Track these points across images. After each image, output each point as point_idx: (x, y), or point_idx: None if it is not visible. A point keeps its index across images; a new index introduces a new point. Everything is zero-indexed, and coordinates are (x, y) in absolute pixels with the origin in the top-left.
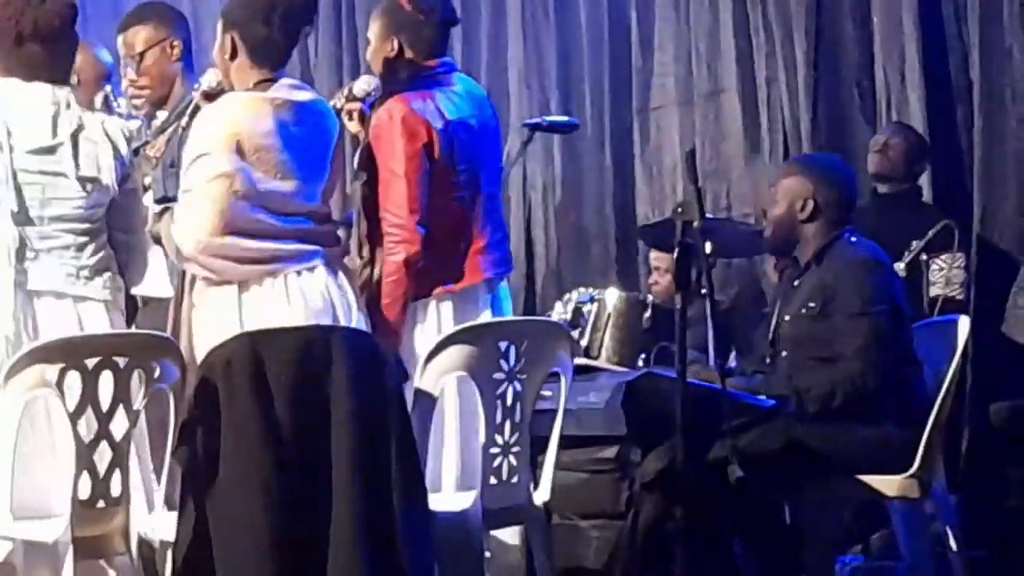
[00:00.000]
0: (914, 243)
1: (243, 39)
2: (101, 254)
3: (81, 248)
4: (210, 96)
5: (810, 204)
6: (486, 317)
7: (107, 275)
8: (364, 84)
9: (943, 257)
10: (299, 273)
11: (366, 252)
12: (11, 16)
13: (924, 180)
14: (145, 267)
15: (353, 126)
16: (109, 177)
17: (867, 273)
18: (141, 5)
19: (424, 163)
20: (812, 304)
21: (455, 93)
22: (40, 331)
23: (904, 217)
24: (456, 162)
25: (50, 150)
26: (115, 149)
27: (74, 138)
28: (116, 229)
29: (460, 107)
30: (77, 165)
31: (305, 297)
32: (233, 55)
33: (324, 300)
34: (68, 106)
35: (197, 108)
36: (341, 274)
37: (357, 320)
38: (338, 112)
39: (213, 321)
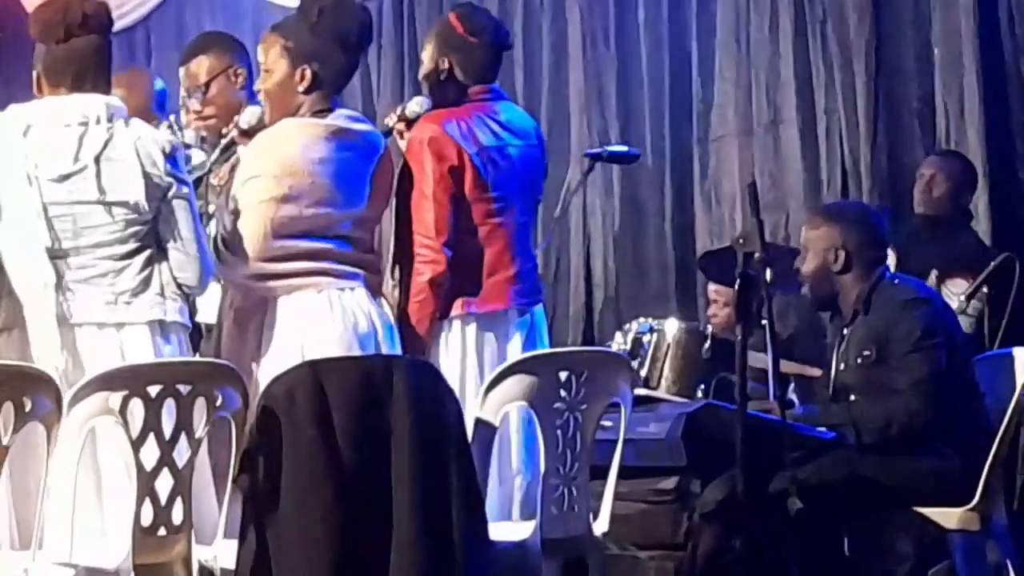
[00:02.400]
0: (932, 274)
1: (325, 70)
2: (143, 274)
3: (120, 272)
4: (247, 134)
5: (842, 255)
6: (517, 342)
7: (150, 294)
8: (415, 105)
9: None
10: (341, 290)
11: (397, 274)
12: (59, 8)
13: (981, 212)
14: (198, 274)
15: (404, 145)
16: (138, 195)
17: (916, 311)
18: (203, 35)
19: (452, 185)
20: (867, 353)
21: (496, 120)
22: (84, 364)
23: (946, 243)
24: (488, 188)
25: (75, 176)
26: (144, 164)
27: (97, 161)
28: (164, 240)
29: (499, 134)
30: (102, 190)
31: (345, 310)
32: (311, 88)
33: (366, 318)
34: (99, 121)
35: (233, 143)
36: (381, 300)
37: (398, 345)
38: (389, 131)
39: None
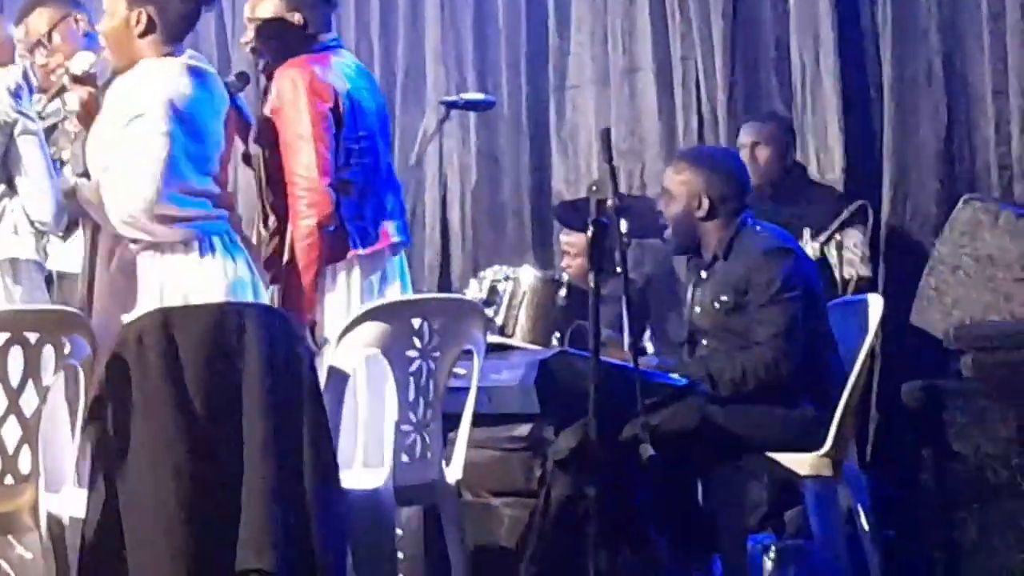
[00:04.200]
0: (805, 231)
1: (160, 15)
2: None
3: None
4: (80, 80)
5: (705, 201)
6: (396, 287)
7: (3, 232)
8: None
9: (850, 233)
10: (224, 244)
11: (272, 222)
12: None
13: (836, 159)
14: (49, 207)
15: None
16: None
17: (776, 261)
18: None
19: (331, 126)
20: (725, 298)
21: (346, 65)
22: None
23: (796, 206)
24: (358, 128)
25: None
26: None
27: None
28: (16, 177)
29: (354, 78)
30: None
31: (226, 270)
32: (146, 32)
33: (245, 272)
34: None
35: (63, 89)
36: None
37: (265, 295)
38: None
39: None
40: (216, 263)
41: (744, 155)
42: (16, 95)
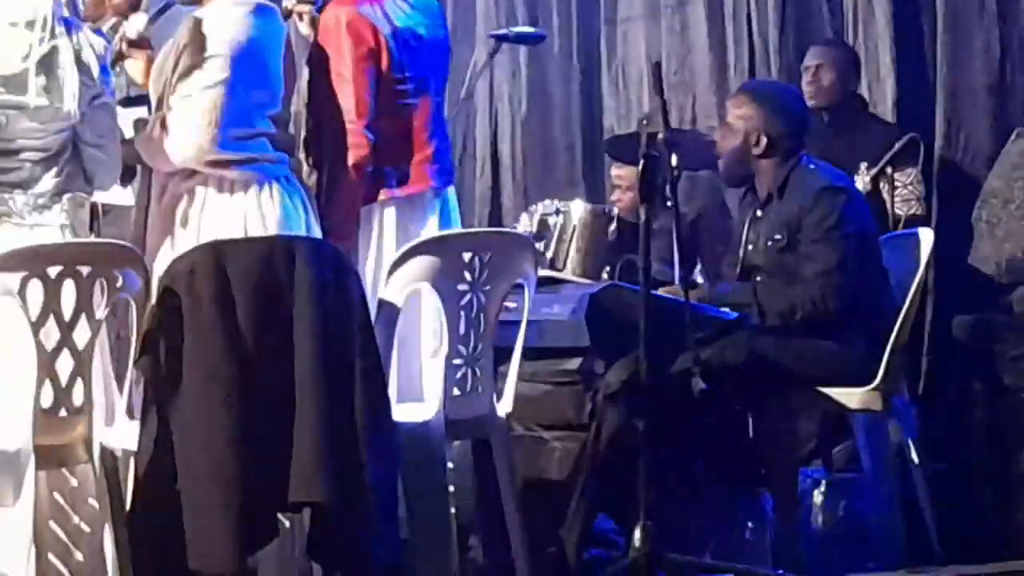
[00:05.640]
0: (862, 166)
1: None
2: (60, 178)
3: (39, 177)
4: (136, 44)
5: (763, 139)
6: (433, 225)
7: (65, 198)
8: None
9: (906, 172)
10: (280, 183)
11: (312, 159)
12: None
13: (888, 93)
14: (116, 175)
15: (304, 27)
16: (72, 105)
17: (830, 200)
18: None
19: (371, 67)
20: (778, 236)
21: (405, 1)
22: None
23: (853, 134)
24: (404, 69)
25: (14, 79)
26: (82, 75)
27: (38, 67)
28: (86, 143)
29: (410, 15)
30: (39, 96)
31: (282, 207)
32: None
33: (300, 210)
34: (45, 24)
35: (121, 56)
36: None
37: (319, 232)
38: (288, 14)
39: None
40: (274, 200)
41: (806, 77)
42: (103, 64)
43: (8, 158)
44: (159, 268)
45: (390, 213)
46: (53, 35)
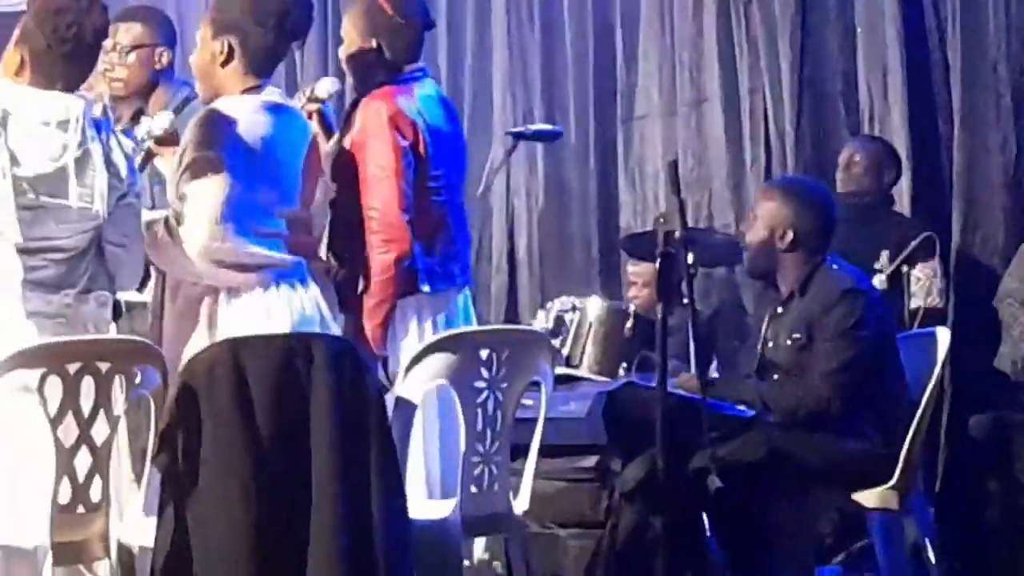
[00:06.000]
0: (883, 254)
1: (243, 46)
2: (87, 275)
3: (66, 274)
4: (164, 142)
5: (789, 234)
6: (453, 323)
7: (91, 300)
8: (328, 85)
9: (922, 267)
10: (292, 286)
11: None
12: (71, 23)
13: (904, 190)
14: (139, 275)
15: (313, 126)
16: (100, 205)
17: (850, 302)
18: (144, 6)
19: (412, 161)
20: (798, 336)
21: (430, 97)
22: None
23: (875, 227)
24: (437, 165)
25: (44, 179)
26: (111, 174)
27: (71, 166)
28: (110, 242)
29: (436, 112)
30: (69, 194)
31: (292, 310)
32: (227, 61)
33: (314, 312)
34: (77, 123)
35: (151, 154)
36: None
37: (336, 328)
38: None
39: (197, 331)
40: (281, 299)
41: (841, 165)
42: (131, 162)
43: (32, 256)
44: (176, 365)
45: (424, 311)
46: (84, 138)
